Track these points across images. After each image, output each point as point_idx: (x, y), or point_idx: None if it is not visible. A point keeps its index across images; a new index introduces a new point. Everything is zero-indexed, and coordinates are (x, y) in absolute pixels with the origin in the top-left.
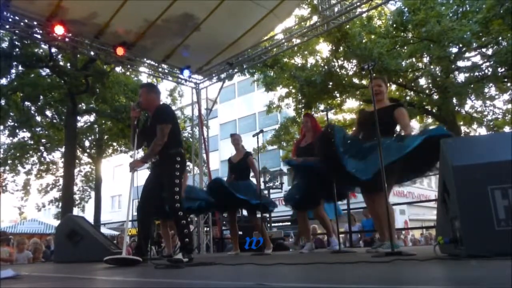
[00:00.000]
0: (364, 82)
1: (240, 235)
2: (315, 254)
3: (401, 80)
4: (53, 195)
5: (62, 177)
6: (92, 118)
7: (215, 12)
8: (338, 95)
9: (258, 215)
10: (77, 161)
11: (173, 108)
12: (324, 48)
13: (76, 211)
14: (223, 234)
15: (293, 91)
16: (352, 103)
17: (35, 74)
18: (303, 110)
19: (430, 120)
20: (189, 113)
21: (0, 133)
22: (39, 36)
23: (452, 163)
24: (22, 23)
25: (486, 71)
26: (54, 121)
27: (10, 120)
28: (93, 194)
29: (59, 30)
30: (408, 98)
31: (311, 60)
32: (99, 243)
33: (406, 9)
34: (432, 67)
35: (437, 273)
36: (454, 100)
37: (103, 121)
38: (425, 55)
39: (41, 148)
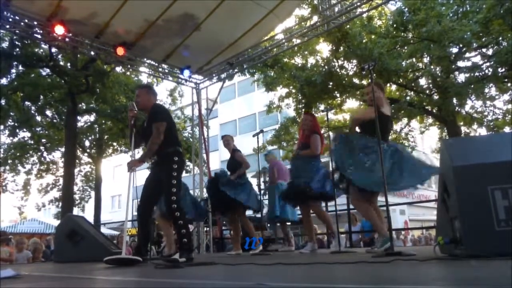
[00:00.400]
0: (364, 82)
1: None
2: (315, 254)
3: (401, 80)
4: (53, 195)
5: (62, 177)
6: (92, 118)
7: (215, 12)
8: (338, 95)
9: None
10: (77, 161)
11: (173, 108)
12: (324, 48)
13: (76, 211)
14: (223, 234)
15: (293, 91)
16: (352, 103)
17: (35, 74)
18: (303, 110)
19: (430, 120)
20: (189, 113)
21: (0, 133)
22: (39, 36)
23: (452, 163)
24: (22, 23)
25: (486, 71)
26: (54, 121)
27: (10, 120)
28: (93, 194)
29: (59, 30)
30: (408, 98)
31: (311, 60)
32: (99, 243)
33: (406, 9)
34: (432, 67)
35: (437, 273)
36: (454, 100)
37: (103, 121)
38: (425, 55)
39: (41, 148)
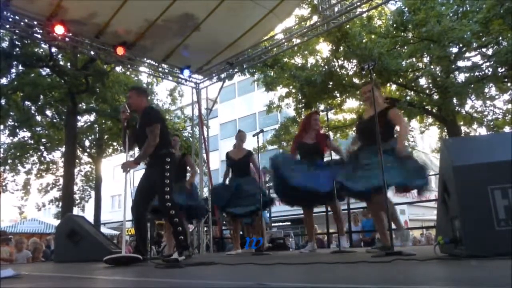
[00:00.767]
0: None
1: (241, 234)
2: (315, 254)
3: (401, 80)
4: (53, 194)
5: (62, 176)
6: (92, 117)
7: (215, 12)
8: (338, 95)
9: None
10: (77, 160)
11: (173, 108)
12: (324, 48)
13: (76, 211)
14: (223, 234)
15: (293, 91)
16: (352, 103)
17: (35, 74)
18: (303, 110)
19: (430, 120)
20: (189, 113)
21: (0, 132)
22: (39, 36)
23: (452, 163)
24: (22, 23)
25: (486, 71)
26: (54, 120)
27: (10, 120)
28: (93, 193)
29: (59, 29)
30: (408, 98)
31: (311, 60)
32: (99, 243)
33: (406, 9)
34: (432, 67)
35: (437, 273)
36: (454, 100)
37: (103, 121)
38: (425, 55)
39: (41, 147)
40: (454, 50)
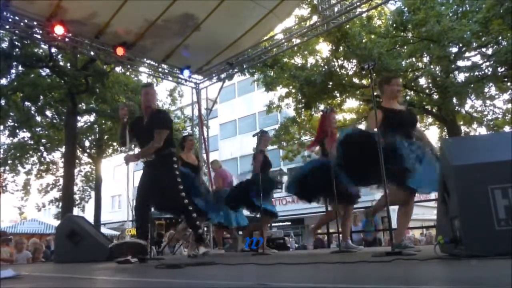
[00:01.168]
0: (364, 82)
1: (241, 234)
2: (315, 254)
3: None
4: (53, 195)
5: (62, 177)
6: (92, 118)
7: (215, 12)
8: (338, 95)
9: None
10: (77, 161)
11: (173, 108)
12: (324, 48)
13: (76, 211)
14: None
15: (293, 91)
16: (352, 103)
17: (35, 74)
18: (303, 110)
19: (430, 119)
20: (189, 113)
21: (0, 133)
22: (39, 36)
23: (452, 163)
24: (22, 23)
25: (486, 70)
26: (54, 121)
27: (10, 120)
28: (93, 194)
29: (59, 30)
30: (408, 98)
31: (311, 60)
32: (99, 243)
33: (406, 9)
34: (432, 66)
35: (437, 273)
36: (454, 100)
37: (103, 121)
38: (425, 55)
39: (41, 148)
40: (454, 50)
